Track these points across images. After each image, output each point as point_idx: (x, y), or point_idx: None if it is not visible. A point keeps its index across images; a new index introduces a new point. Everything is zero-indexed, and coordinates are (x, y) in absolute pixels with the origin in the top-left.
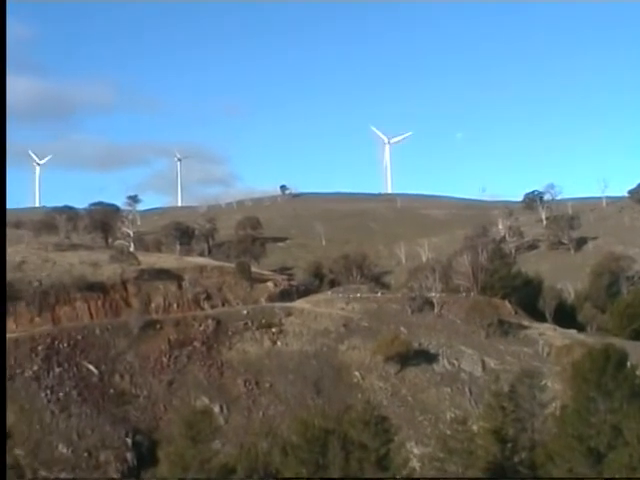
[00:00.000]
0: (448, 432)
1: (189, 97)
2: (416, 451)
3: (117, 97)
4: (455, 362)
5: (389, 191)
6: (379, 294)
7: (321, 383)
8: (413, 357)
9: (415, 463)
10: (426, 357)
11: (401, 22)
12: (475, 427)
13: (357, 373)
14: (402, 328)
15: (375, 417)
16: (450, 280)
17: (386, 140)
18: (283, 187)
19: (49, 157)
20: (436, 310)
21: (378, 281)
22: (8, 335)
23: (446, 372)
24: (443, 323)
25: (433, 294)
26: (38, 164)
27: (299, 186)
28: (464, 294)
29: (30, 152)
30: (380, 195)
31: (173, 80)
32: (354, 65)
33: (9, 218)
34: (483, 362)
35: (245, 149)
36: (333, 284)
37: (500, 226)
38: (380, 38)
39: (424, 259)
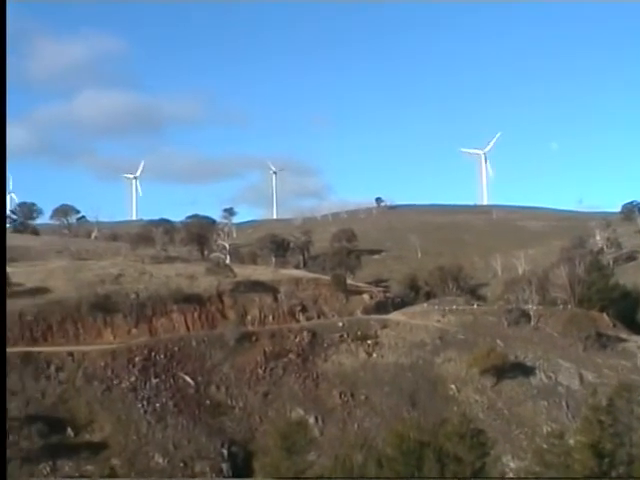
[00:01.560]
0: (544, 446)
1: (280, 109)
2: (512, 465)
3: (207, 110)
4: (552, 375)
5: (484, 203)
6: (475, 306)
7: (417, 395)
8: (509, 370)
9: (511, 477)
10: (522, 370)
11: (494, 30)
12: (572, 441)
13: (453, 386)
14: (498, 341)
15: (471, 430)
16: (547, 292)
17: (480, 153)
18: (378, 199)
19: (143, 172)
20: (533, 323)
21: (474, 293)
22: (106, 347)
23: (543, 385)
24: (540, 336)
25: (530, 306)
26: (135, 178)
27: (394, 198)
28: (561, 306)
29: (130, 165)
30: (475, 207)
31: (264, 92)
32: (448, 75)
33: (107, 231)
34: (580, 375)
35: (339, 161)
36: (429, 296)
37: (597, 237)
38: (473, 47)
39: (520, 271)
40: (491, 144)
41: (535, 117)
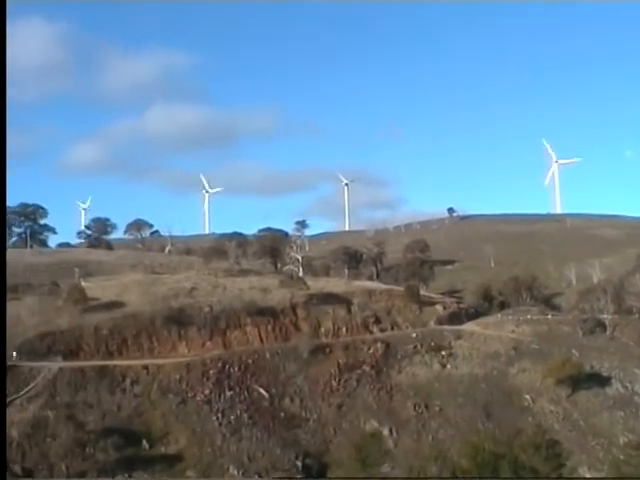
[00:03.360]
0: (621, 457)
1: (351, 120)
2: (588, 476)
3: (278, 122)
4: (629, 385)
5: (558, 211)
6: (549, 316)
7: (491, 406)
8: (585, 380)
9: None
10: (598, 380)
11: (567, 35)
12: None
13: (527, 396)
14: (573, 351)
15: (546, 441)
16: (622, 301)
17: (555, 159)
18: (450, 209)
19: (219, 189)
20: (608, 332)
21: (548, 303)
22: (181, 360)
23: (619, 395)
24: (616, 345)
25: (605, 316)
26: (207, 192)
27: (466, 208)
28: (637, 315)
29: (202, 178)
30: (549, 215)
31: (335, 103)
32: (521, 82)
33: (180, 245)
34: None
35: (410, 171)
36: (503, 306)
37: None
38: (546, 53)
39: (595, 280)
40: (567, 161)
41: (609, 125)
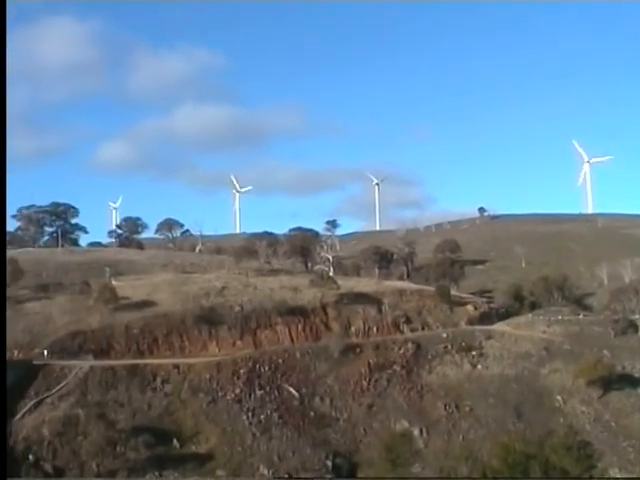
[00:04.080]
0: None
1: (378, 120)
2: (619, 477)
3: (307, 122)
4: None
5: (589, 211)
6: (581, 316)
7: (522, 407)
8: (616, 381)
9: None
10: (630, 381)
11: (599, 32)
12: None
13: (559, 397)
14: (605, 351)
15: (577, 442)
16: None
17: (586, 159)
18: (481, 209)
19: (249, 187)
20: None
21: (580, 303)
22: (211, 359)
23: None
24: None
25: (637, 316)
26: (238, 191)
27: (497, 208)
28: None
29: (233, 178)
30: (580, 215)
31: (363, 102)
32: (552, 80)
33: (211, 245)
34: None
35: (439, 171)
36: (534, 306)
37: None
38: (577, 51)
39: (627, 280)
40: (599, 159)
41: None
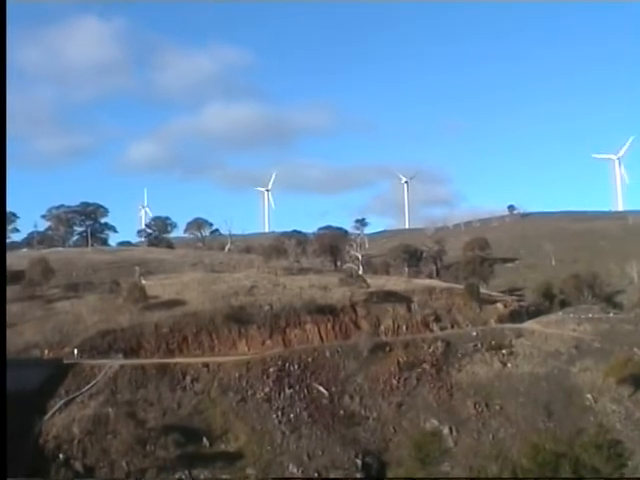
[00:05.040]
0: None
1: (408, 116)
2: None
3: (335, 119)
4: None
5: (620, 209)
6: (611, 314)
7: (552, 406)
8: None
9: None
10: None
11: (626, 30)
12: None
13: (589, 395)
14: (635, 349)
15: (608, 441)
16: None
17: (614, 158)
18: (511, 207)
19: (273, 178)
20: None
21: (610, 301)
22: (241, 358)
23: None
24: None
25: None
26: (267, 190)
27: (527, 205)
28: None
29: (272, 177)
30: (611, 213)
31: (391, 99)
32: (580, 76)
33: (240, 244)
34: None
35: (468, 168)
36: (564, 304)
37: None
38: (614, 49)
39: None
40: (624, 149)
41: None
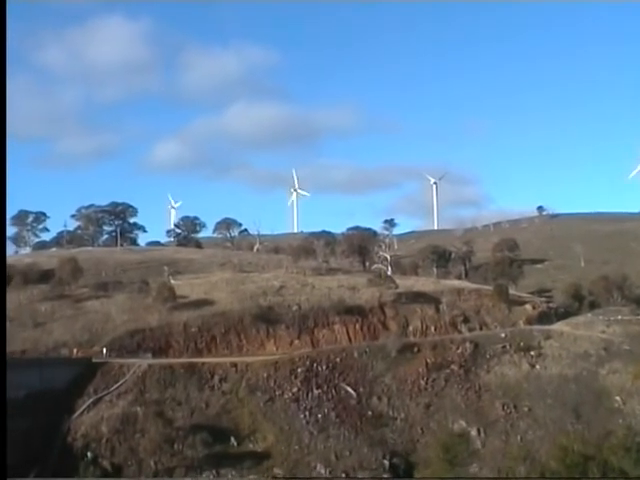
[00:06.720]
0: None
1: (433, 117)
2: None
3: (362, 119)
4: None
5: None
6: None
7: (581, 408)
8: None
9: None
10: None
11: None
12: None
13: (618, 398)
14: None
15: (637, 444)
16: None
17: None
18: (540, 208)
19: (295, 178)
20: None
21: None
22: (269, 357)
23: None
24: None
25: None
26: (296, 191)
27: (556, 207)
28: None
29: (293, 173)
30: None
31: (417, 98)
32: (610, 75)
33: (268, 244)
34: None
35: (496, 169)
36: (593, 306)
37: None
38: (629, 44)
39: None
40: None
41: None
